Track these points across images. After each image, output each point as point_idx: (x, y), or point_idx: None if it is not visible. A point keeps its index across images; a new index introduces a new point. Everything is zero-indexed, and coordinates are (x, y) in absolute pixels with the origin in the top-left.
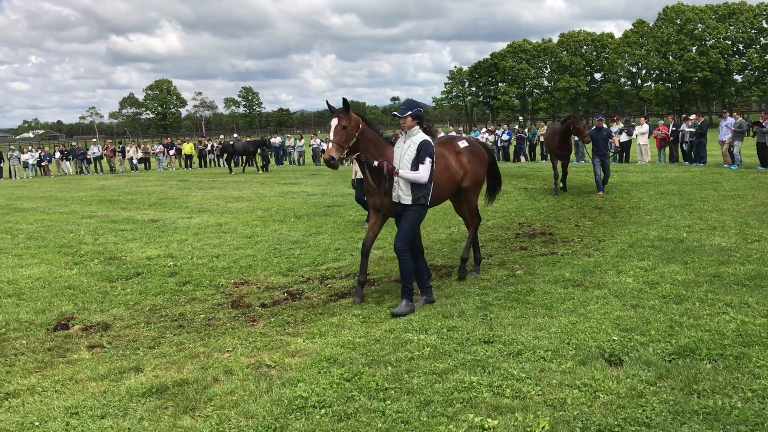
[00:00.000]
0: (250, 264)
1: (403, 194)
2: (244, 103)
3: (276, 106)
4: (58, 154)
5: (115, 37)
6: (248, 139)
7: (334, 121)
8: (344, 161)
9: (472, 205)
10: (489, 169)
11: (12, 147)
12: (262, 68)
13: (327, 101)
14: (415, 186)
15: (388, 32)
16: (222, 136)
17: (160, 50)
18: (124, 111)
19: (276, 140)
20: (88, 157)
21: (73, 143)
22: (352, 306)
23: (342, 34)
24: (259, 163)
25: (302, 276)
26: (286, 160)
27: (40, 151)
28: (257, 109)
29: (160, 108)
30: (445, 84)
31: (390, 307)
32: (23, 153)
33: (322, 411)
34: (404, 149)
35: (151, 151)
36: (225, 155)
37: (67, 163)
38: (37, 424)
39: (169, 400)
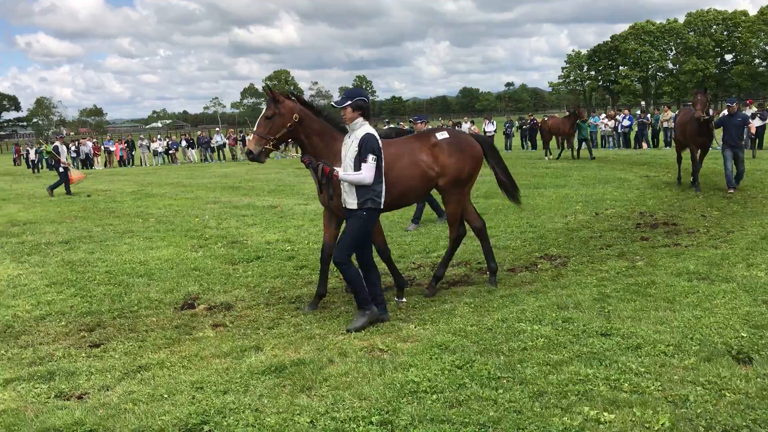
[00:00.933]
0: None
1: (347, 197)
2: None
3: (389, 95)
4: (184, 143)
5: (237, 29)
6: (391, 126)
7: (263, 111)
8: (282, 153)
9: (450, 209)
10: (493, 165)
11: (142, 136)
12: (375, 57)
13: (267, 85)
14: (360, 187)
15: (504, 16)
16: (390, 125)
17: (279, 41)
18: (245, 101)
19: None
20: (212, 145)
21: (198, 132)
22: (464, 294)
23: (456, 20)
24: None
25: (413, 263)
26: None
27: (167, 140)
28: (370, 98)
29: None
30: (563, 68)
31: (503, 296)
32: (152, 142)
33: (434, 396)
34: (349, 145)
35: None
36: None
37: (193, 151)
38: (165, 396)
39: (287, 379)
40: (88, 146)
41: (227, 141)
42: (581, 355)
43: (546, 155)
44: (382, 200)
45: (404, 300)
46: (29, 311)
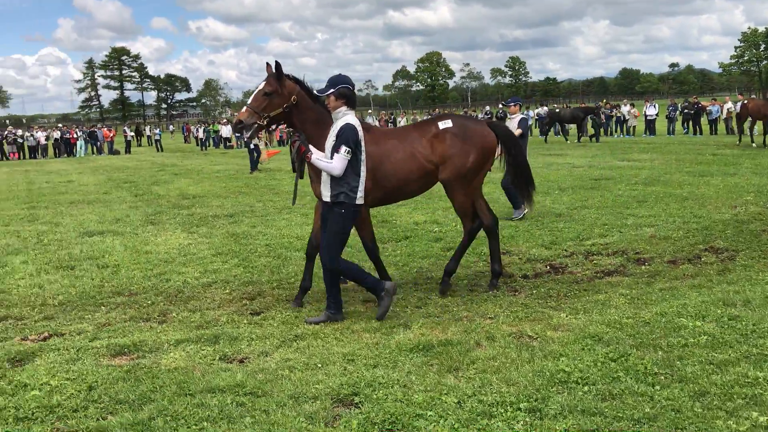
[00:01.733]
0: (512, 234)
1: (323, 188)
2: (510, 73)
3: (542, 76)
4: None
5: (392, 12)
6: (577, 106)
7: (261, 85)
8: (267, 136)
9: (457, 203)
10: (510, 159)
11: None
12: (530, 37)
13: (267, 62)
14: (334, 180)
15: None
16: (545, 107)
17: (432, 23)
18: (397, 83)
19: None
20: None
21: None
22: (619, 285)
23: None
24: (590, 132)
25: (566, 250)
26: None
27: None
28: (523, 79)
29: (429, 80)
30: (736, 48)
31: (662, 289)
32: None
33: (585, 388)
34: (331, 134)
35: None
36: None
37: None
38: (319, 365)
39: (434, 358)
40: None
41: (378, 123)
42: (750, 356)
43: (739, 140)
44: (358, 195)
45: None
46: (197, 278)
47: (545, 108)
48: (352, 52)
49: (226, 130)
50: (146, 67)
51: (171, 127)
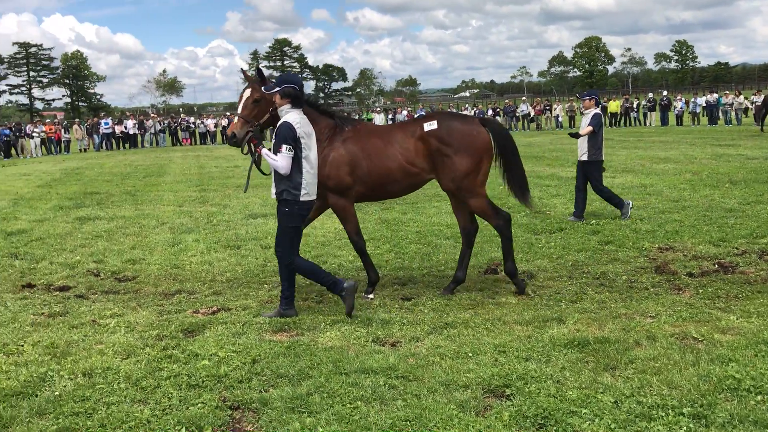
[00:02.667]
0: (677, 229)
1: (272, 184)
2: (676, 57)
3: (712, 60)
4: (490, 112)
5: None
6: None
7: (246, 93)
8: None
9: (473, 208)
10: (501, 159)
11: (451, 105)
12: (699, 19)
13: (242, 69)
14: (279, 177)
15: None
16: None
17: (592, 7)
18: (552, 69)
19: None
20: (517, 114)
21: (506, 101)
22: None
23: None
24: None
25: (736, 248)
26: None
27: (475, 109)
28: (690, 64)
29: (587, 66)
30: None
31: None
32: (461, 110)
33: (758, 397)
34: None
35: (576, 109)
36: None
37: (498, 120)
38: (470, 354)
39: (590, 355)
40: (402, 115)
41: (532, 110)
42: None
43: None
44: (302, 192)
45: (371, 297)
46: (351, 262)
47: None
48: (507, 38)
49: (378, 119)
50: (306, 58)
51: None
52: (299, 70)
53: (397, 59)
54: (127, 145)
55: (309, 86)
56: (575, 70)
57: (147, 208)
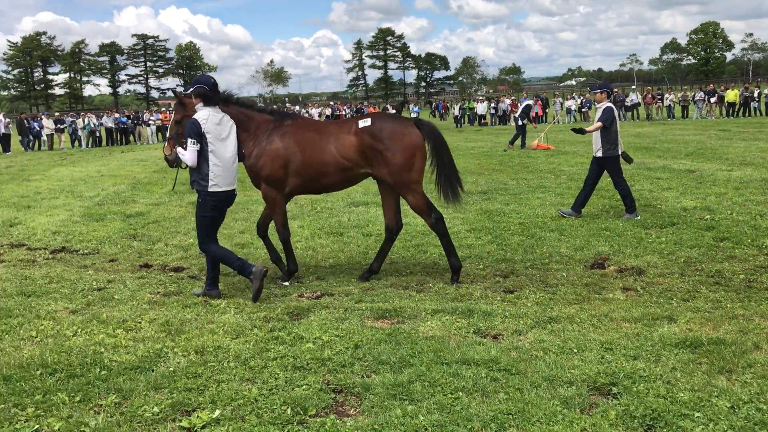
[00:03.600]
0: None
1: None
2: None
3: None
4: None
5: None
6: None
7: (171, 116)
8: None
9: (409, 203)
10: (436, 156)
11: (557, 93)
12: None
13: (172, 89)
14: (192, 169)
15: None
16: None
17: None
18: (665, 57)
19: None
20: (626, 104)
21: (615, 90)
22: None
23: None
24: None
25: None
26: None
27: (581, 98)
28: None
29: (703, 53)
30: None
31: None
32: (566, 100)
33: None
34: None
35: (690, 98)
36: None
37: None
38: (575, 350)
39: (703, 357)
40: (506, 103)
41: (644, 99)
42: None
43: None
44: (210, 183)
45: (287, 283)
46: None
47: None
48: (616, 24)
49: (481, 108)
50: (408, 47)
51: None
52: (401, 59)
53: (501, 47)
54: None
55: (411, 75)
56: (689, 57)
57: (255, 194)
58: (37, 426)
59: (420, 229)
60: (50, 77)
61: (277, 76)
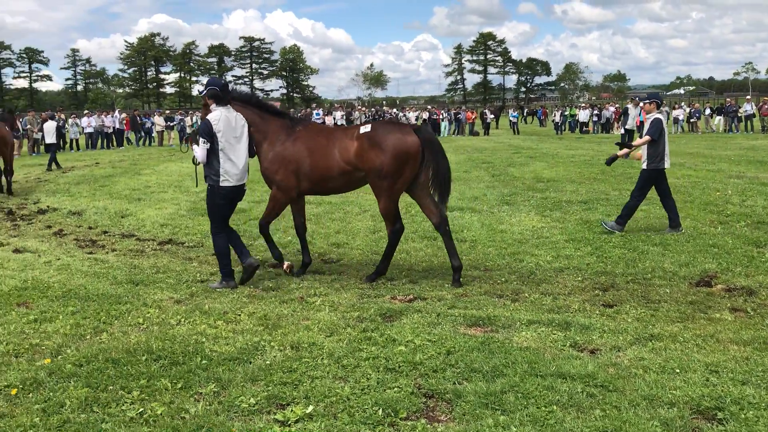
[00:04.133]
0: None
1: None
2: None
3: None
4: (708, 111)
5: None
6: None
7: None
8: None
9: (380, 205)
10: (431, 163)
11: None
12: None
13: (199, 90)
14: (205, 165)
15: None
16: None
17: None
18: None
19: None
20: (739, 115)
21: (726, 100)
22: None
23: None
24: None
25: None
26: None
27: (690, 108)
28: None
29: None
30: None
31: None
32: (673, 109)
33: None
34: None
35: None
36: None
37: (719, 119)
38: (677, 371)
39: None
40: (609, 111)
41: (758, 110)
42: None
43: None
44: (221, 179)
45: (288, 268)
46: (549, 262)
47: None
48: (732, 31)
49: (583, 115)
50: (509, 52)
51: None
52: (501, 64)
53: (606, 53)
54: None
55: (511, 80)
56: None
57: (351, 195)
58: (142, 409)
59: (516, 237)
60: (162, 76)
61: (376, 79)
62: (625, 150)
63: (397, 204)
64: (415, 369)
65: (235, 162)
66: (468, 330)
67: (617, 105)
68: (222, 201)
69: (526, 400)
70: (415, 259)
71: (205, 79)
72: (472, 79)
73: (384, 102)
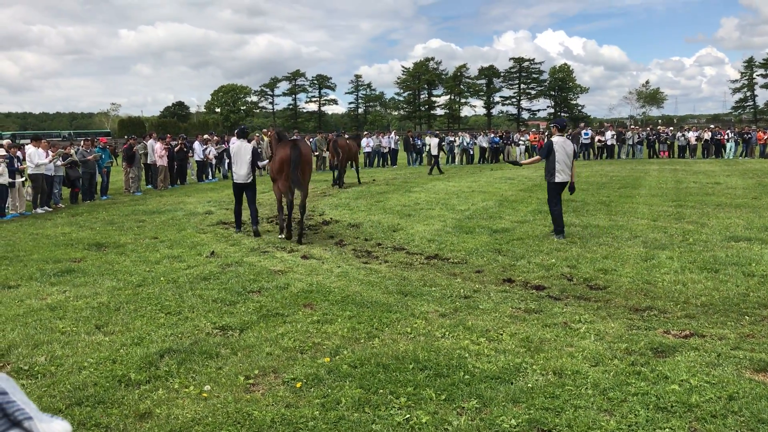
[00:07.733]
0: None
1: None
2: None
3: None
4: None
5: None
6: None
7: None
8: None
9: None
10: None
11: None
12: None
13: (272, 126)
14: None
15: None
16: None
17: None
18: None
19: None
20: None
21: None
22: None
23: None
24: None
25: None
26: None
27: None
28: None
29: None
30: None
31: None
32: None
33: None
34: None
35: None
36: None
37: None
38: None
39: None
40: None
41: None
42: None
43: None
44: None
45: (281, 236)
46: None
47: None
48: None
49: None
50: None
51: None
52: None
53: None
54: (604, 155)
55: None
56: None
57: (620, 219)
58: (408, 415)
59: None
60: (434, 99)
61: (652, 96)
62: None
63: (280, 192)
64: (690, 411)
65: (234, 169)
66: (755, 375)
67: None
68: (233, 187)
69: None
70: (693, 292)
71: (475, 101)
72: (764, 96)
73: (659, 120)
